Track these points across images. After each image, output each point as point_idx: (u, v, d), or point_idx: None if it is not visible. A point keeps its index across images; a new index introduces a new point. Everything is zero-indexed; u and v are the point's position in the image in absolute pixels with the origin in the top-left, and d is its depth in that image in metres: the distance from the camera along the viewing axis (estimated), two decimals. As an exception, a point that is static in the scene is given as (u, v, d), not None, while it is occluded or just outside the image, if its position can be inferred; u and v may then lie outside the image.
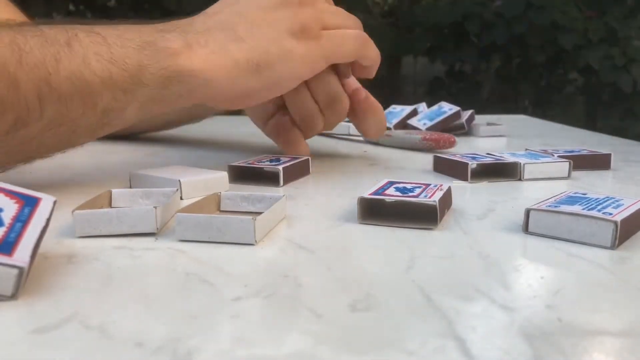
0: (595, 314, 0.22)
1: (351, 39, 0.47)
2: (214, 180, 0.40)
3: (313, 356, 0.19)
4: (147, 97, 0.39)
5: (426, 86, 3.66)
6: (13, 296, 0.22)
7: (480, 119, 0.79)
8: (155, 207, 0.30)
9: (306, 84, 0.49)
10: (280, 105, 0.52)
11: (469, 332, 0.20)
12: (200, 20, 0.43)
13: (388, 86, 3.41)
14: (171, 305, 0.23)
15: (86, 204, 0.32)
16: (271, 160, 0.45)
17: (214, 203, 0.34)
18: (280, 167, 0.43)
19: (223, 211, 0.35)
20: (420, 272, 0.24)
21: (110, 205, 0.35)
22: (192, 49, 0.40)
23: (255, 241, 0.29)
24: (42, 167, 0.53)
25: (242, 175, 0.44)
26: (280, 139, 0.53)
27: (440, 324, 0.21)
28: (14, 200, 0.25)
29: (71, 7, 2.44)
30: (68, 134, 0.38)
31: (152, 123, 0.66)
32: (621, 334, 0.20)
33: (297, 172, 0.46)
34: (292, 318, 0.21)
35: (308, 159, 0.47)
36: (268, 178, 0.43)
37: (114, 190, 0.35)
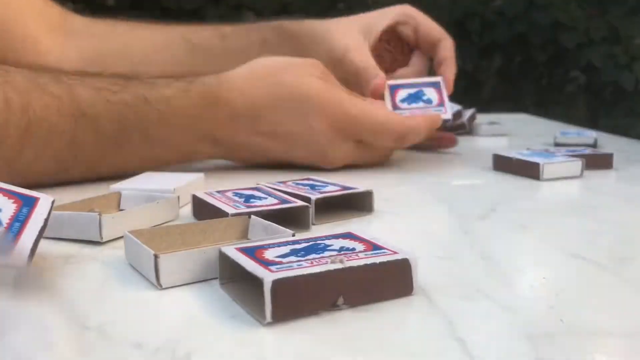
0: (597, 314, 0.22)
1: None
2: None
3: (313, 356, 0.18)
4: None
5: (427, 85, 3.65)
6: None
7: (481, 118, 0.79)
8: (99, 215, 0.29)
9: None
10: None
11: (470, 333, 0.20)
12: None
13: (389, 85, 3.40)
14: (170, 305, 0.22)
15: (79, 204, 0.32)
16: (246, 198, 0.34)
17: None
18: (248, 212, 0.31)
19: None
20: (421, 272, 0.23)
21: (118, 208, 0.35)
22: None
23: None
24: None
25: (205, 211, 0.33)
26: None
27: (442, 324, 0.21)
28: (12, 200, 0.25)
29: (70, 6, 2.45)
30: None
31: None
32: (624, 334, 0.20)
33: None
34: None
35: (292, 206, 0.32)
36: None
37: (123, 192, 0.35)
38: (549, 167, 0.44)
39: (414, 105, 0.51)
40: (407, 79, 0.54)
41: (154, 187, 0.36)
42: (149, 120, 0.43)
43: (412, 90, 0.52)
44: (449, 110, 0.51)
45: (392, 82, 0.52)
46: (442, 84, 0.53)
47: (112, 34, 0.65)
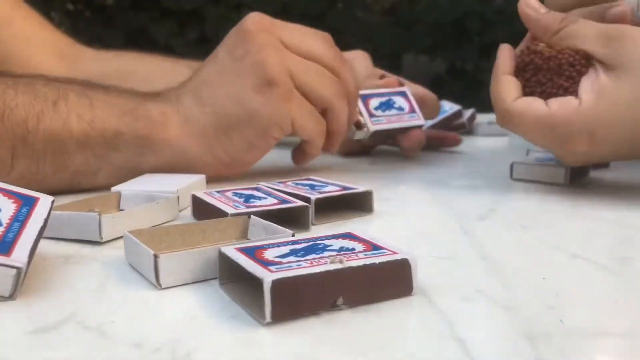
0: (597, 315, 0.22)
1: (318, 120, 0.43)
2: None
3: (313, 356, 0.18)
4: (121, 163, 0.39)
5: (427, 84, 3.65)
6: (11, 296, 0.22)
7: (481, 117, 0.79)
8: (99, 215, 0.29)
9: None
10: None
11: (470, 333, 0.20)
12: (186, 82, 0.43)
13: (389, 85, 3.40)
14: (170, 305, 0.22)
15: (78, 204, 0.31)
16: (245, 198, 0.34)
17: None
18: (248, 212, 0.31)
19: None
20: (421, 272, 0.23)
21: (118, 207, 0.35)
22: (167, 117, 0.40)
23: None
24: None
25: (205, 211, 0.33)
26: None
27: (441, 324, 0.21)
28: (12, 200, 0.25)
29: (69, 7, 2.45)
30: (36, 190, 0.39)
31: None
32: (623, 335, 0.20)
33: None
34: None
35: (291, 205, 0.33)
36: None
37: (123, 192, 0.35)
38: (519, 167, 0.45)
39: (388, 112, 0.52)
40: (372, 89, 0.54)
41: (155, 188, 0.36)
42: (90, 85, 0.40)
43: (383, 99, 0.53)
44: (421, 116, 0.53)
45: (361, 92, 0.51)
46: (408, 93, 0.54)
47: (119, 58, 0.67)
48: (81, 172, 0.39)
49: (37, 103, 0.37)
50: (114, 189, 0.36)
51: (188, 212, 0.35)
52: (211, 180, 0.42)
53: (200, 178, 0.40)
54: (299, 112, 0.41)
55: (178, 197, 0.34)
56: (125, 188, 0.36)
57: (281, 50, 0.41)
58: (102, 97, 0.40)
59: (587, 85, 0.37)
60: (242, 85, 0.40)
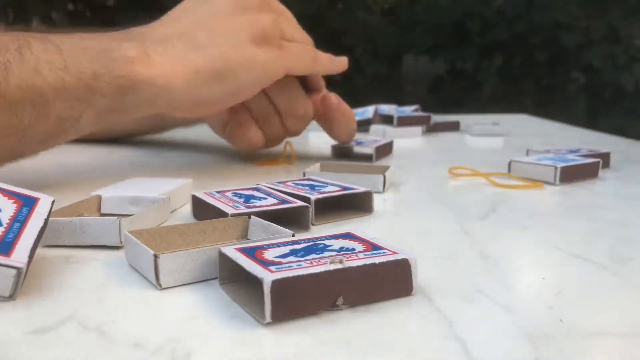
0: (597, 315, 0.22)
1: (309, 53, 0.48)
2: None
3: (313, 356, 0.18)
4: (104, 106, 0.38)
5: (427, 85, 3.66)
6: (11, 297, 0.22)
7: (481, 118, 0.79)
8: (119, 219, 0.28)
9: (265, 89, 0.48)
10: (236, 109, 0.51)
11: (470, 333, 0.20)
12: (158, 29, 0.43)
13: (389, 85, 3.42)
14: (170, 305, 0.22)
15: (67, 209, 0.31)
16: (245, 198, 0.34)
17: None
18: (248, 212, 0.31)
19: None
20: (421, 272, 0.23)
21: (99, 211, 0.34)
22: (149, 57, 0.39)
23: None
24: (40, 166, 0.53)
25: (205, 211, 0.33)
26: (237, 138, 0.52)
27: (441, 325, 0.21)
28: (12, 200, 0.25)
29: (70, 7, 2.44)
30: (18, 142, 0.37)
31: (110, 132, 0.64)
32: (623, 335, 0.20)
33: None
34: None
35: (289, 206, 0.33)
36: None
37: (104, 195, 0.34)
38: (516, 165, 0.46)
39: None
40: None
41: (138, 193, 0.35)
42: (48, 33, 0.38)
43: None
44: None
45: None
46: None
47: None
48: (64, 118, 0.37)
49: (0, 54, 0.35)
50: (94, 193, 0.35)
51: (187, 211, 0.35)
52: (210, 179, 0.42)
53: (187, 182, 0.39)
54: (292, 54, 0.46)
55: (169, 198, 0.34)
56: (106, 192, 0.35)
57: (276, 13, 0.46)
58: (68, 42, 0.38)
59: None
60: (240, 34, 0.43)
